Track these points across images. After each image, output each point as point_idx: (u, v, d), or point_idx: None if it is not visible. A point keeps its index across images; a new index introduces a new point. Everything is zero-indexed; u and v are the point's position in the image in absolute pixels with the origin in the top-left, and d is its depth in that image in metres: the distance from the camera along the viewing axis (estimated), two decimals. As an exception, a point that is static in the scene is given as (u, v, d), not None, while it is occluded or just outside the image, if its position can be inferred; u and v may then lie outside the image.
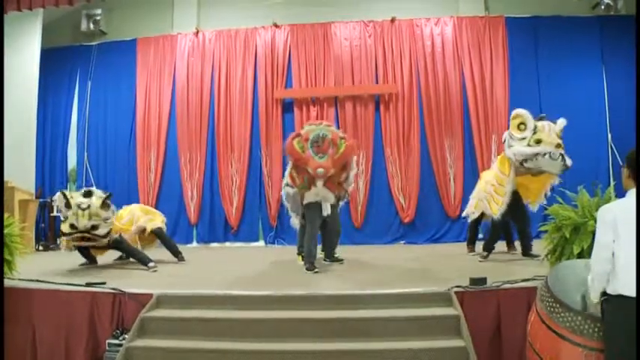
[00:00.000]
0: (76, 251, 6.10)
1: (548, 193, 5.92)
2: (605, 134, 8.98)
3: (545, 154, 5.37)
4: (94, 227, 5.52)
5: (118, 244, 5.95)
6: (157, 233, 6.63)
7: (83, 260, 6.23)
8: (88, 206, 5.49)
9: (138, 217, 6.53)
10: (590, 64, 9.23)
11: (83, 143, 10.03)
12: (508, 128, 5.82)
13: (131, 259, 6.24)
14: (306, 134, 5.22)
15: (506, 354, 3.85)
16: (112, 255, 6.51)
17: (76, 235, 5.56)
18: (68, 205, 5.55)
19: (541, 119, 5.66)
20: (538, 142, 5.40)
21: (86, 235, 5.55)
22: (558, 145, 5.38)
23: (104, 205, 5.61)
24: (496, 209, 5.74)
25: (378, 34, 9.53)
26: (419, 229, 9.12)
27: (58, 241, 8.84)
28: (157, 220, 6.72)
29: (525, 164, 5.52)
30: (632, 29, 8.04)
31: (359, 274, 5.33)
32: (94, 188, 5.97)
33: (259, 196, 9.48)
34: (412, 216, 9.10)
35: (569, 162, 5.46)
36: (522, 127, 5.55)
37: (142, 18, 10.22)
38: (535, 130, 5.46)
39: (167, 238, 6.84)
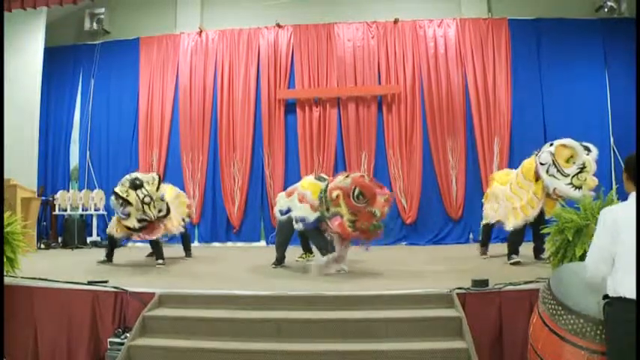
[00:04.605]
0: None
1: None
2: (608, 137, 8.97)
3: (579, 196, 5.24)
4: (160, 211, 5.81)
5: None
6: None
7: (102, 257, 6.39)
8: (151, 198, 5.66)
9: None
10: (593, 66, 9.23)
11: (85, 142, 10.04)
12: (546, 141, 5.73)
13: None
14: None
15: (508, 356, 3.85)
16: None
17: (146, 225, 5.80)
18: (125, 203, 5.65)
19: (587, 149, 5.48)
20: (579, 185, 5.28)
21: (156, 222, 5.83)
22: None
23: (159, 187, 5.81)
24: (513, 223, 5.72)
25: (381, 35, 9.53)
26: (421, 230, 9.11)
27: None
28: (185, 209, 7.03)
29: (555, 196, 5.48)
30: (634, 32, 8.04)
31: (360, 275, 5.33)
32: (137, 175, 5.92)
33: (261, 196, 9.48)
34: (414, 217, 9.09)
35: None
36: (571, 160, 5.38)
37: (145, 17, 10.24)
38: (582, 169, 5.32)
39: (187, 231, 7.17)
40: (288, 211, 5.68)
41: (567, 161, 5.39)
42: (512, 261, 5.73)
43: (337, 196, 5.00)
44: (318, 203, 5.26)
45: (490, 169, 8.59)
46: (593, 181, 5.32)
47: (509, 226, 5.81)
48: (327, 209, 5.15)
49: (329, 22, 9.68)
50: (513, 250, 5.85)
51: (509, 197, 5.95)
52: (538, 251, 5.87)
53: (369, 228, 4.96)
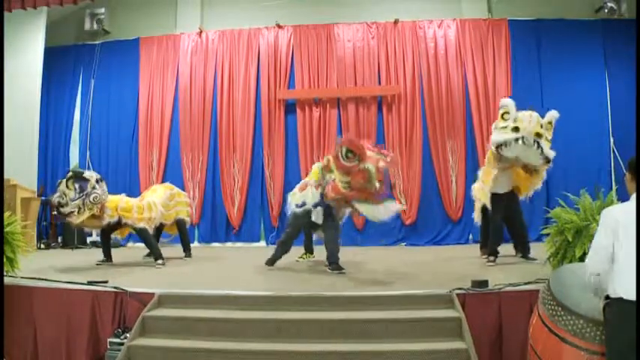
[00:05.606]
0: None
1: (539, 188, 6.06)
2: (608, 137, 8.97)
3: (517, 140, 5.34)
4: (60, 205, 5.60)
5: (140, 230, 6.13)
6: (178, 222, 6.92)
7: (101, 258, 6.35)
8: (59, 183, 5.64)
9: (165, 209, 6.65)
10: (593, 67, 9.23)
11: (86, 142, 10.05)
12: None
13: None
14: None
15: (508, 356, 3.85)
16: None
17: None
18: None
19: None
20: (516, 129, 5.39)
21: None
22: (537, 134, 5.35)
23: (70, 184, 5.61)
24: (486, 196, 5.86)
25: (381, 35, 9.53)
26: (420, 231, 9.11)
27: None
28: (183, 208, 6.99)
29: (502, 152, 5.53)
30: (634, 33, 8.04)
31: (360, 275, 5.32)
32: (87, 172, 5.95)
33: (261, 197, 9.48)
34: (414, 218, 9.09)
35: (547, 152, 5.43)
36: (506, 116, 5.59)
37: (146, 17, 10.24)
38: (516, 119, 5.48)
39: (186, 231, 7.13)
40: (304, 204, 5.66)
41: (503, 117, 5.64)
42: (487, 263, 5.79)
43: (328, 161, 5.03)
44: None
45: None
46: (530, 126, 5.36)
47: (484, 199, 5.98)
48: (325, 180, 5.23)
49: (329, 22, 9.67)
50: (493, 251, 5.88)
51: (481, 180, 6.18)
52: (524, 251, 5.93)
53: (365, 185, 4.80)
